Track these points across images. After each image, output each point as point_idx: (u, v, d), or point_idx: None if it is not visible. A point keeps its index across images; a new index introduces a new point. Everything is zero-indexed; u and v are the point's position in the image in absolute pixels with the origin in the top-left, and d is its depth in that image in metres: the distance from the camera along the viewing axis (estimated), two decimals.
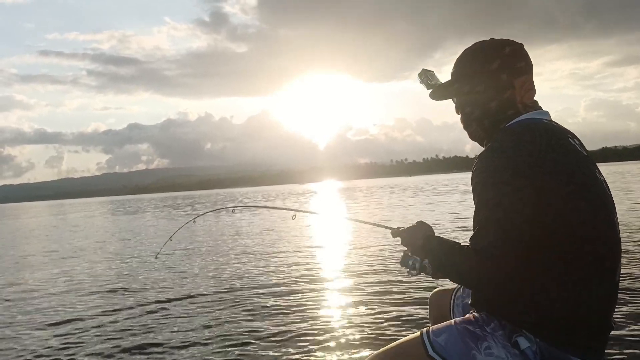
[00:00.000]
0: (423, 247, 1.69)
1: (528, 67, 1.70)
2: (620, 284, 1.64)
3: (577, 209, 1.50)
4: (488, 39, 1.75)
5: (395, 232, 1.90)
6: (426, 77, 1.89)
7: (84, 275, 7.79)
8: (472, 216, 1.58)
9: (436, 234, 1.74)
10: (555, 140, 1.56)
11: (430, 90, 1.86)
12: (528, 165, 1.48)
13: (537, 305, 1.52)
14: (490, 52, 1.69)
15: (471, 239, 1.52)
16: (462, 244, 1.57)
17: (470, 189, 1.59)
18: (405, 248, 1.84)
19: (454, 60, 1.79)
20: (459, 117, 1.83)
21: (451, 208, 16.43)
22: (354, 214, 13.96)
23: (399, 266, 1.81)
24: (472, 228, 1.54)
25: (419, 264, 1.79)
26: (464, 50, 1.77)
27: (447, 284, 2.04)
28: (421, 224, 1.78)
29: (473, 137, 1.80)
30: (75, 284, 7.02)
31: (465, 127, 1.80)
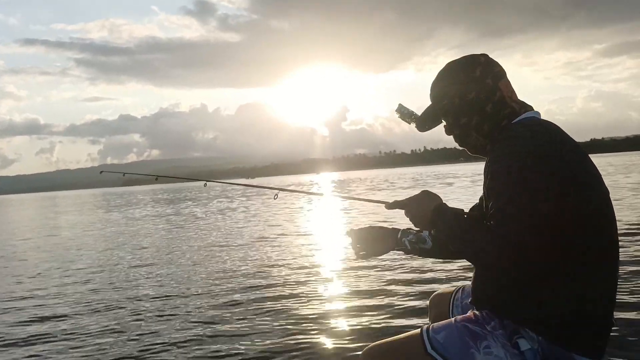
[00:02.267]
0: (435, 216, 1.61)
1: (503, 72, 1.73)
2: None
3: (591, 200, 1.50)
4: (456, 58, 1.78)
5: (395, 204, 1.80)
6: (406, 110, 1.86)
7: None
8: (485, 201, 1.57)
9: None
10: (564, 135, 1.59)
11: (414, 123, 1.85)
12: (548, 153, 1.48)
13: (544, 302, 1.50)
14: (468, 63, 1.72)
15: (493, 222, 1.46)
16: (476, 223, 1.54)
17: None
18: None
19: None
20: (451, 137, 1.79)
21: None
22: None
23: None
24: (488, 213, 1.51)
25: (417, 236, 1.79)
26: (440, 71, 1.79)
27: (450, 280, 2.08)
28: (428, 193, 1.71)
29: (474, 148, 1.76)
30: None
31: (463, 141, 1.76)
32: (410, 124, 1.86)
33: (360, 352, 1.76)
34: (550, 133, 1.56)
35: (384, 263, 6.49)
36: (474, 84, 1.69)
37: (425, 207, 1.65)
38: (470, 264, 1.64)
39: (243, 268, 6.99)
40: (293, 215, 12.82)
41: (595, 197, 1.53)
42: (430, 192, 1.72)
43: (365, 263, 6.66)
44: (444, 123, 1.81)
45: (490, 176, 1.54)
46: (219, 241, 10.06)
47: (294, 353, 3.63)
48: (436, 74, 1.81)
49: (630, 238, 7.22)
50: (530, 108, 1.71)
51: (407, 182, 37.41)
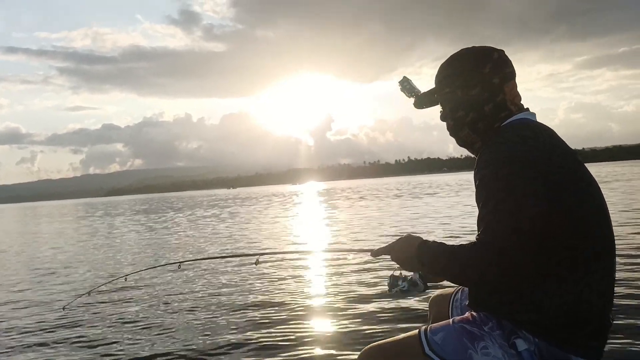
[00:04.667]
0: (420, 253, 1.61)
1: (513, 73, 1.70)
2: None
3: (583, 204, 1.51)
4: (471, 46, 1.75)
5: (379, 251, 1.82)
6: (409, 84, 1.85)
7: None
8: (477, 210, 1.54)
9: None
10: (556, 138, 1.60)
11: (413, 98, 1.85)
12: (536, 159, 1.48)
13: (538, 304, 1.50)
14: (481, 57, 1.68)
15: (480, 231, 1.49)
16: (462, 243, 1.53)
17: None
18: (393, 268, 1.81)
19: (435, 61, 2.95)
20: (444, 124, 1.79)
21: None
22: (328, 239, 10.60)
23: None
24: (477, 221, 1.52)
25: (408, 282, 1.80)
26: (452, 56, 1.75)
27: (447, 285, 1.95)
28: (410, 236, 1.72)
29: (463, 142, 1.76)
30: None
31: (455, 133, 1.76)
32: (409, 98, 1.85)
33: (358, 353, 1.75)
34: (538, 137, 1.56)
35: (383, 263, 6.48)
36: (479, 80, 1.67)
37: (409, 247, 1.66)
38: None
39: (236, 279, 6.72)
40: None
41: (586, 199, 1.54)
42: (411, 234, 1.72)
43: (362, 263, 6.65)
44: (440, 108, 1.81)
45: (478, 182, 1.55)
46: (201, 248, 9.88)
47: (293, 353, 3.63)
48: (445, 60, 1.78)
49: (629, 237, 7.30)
50: (525, 110, 1.71)
51: (392, 191, 37.53)
